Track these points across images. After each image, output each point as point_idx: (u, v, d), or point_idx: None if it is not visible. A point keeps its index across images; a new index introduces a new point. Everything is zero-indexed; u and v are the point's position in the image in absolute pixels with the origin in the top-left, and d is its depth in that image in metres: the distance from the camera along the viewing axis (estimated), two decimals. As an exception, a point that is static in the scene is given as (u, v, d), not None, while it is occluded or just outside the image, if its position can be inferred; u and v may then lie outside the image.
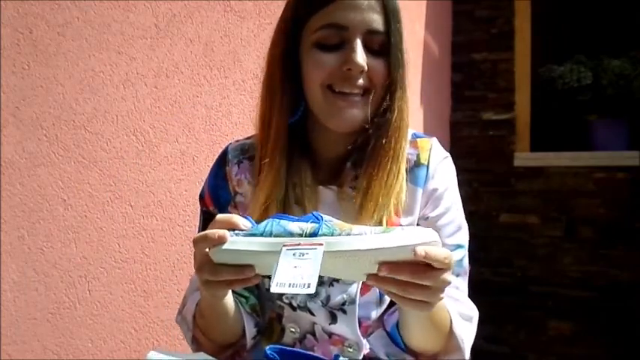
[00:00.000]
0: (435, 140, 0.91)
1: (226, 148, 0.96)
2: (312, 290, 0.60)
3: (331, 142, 0.87)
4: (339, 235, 0.63)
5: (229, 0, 1.63)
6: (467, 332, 0.85)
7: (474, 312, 0.88)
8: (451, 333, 0.83)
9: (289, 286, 0.62)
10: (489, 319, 2.97)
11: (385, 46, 0.80)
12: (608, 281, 2.78)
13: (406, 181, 0.85)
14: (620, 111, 2.85)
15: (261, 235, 0.65)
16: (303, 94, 0.85)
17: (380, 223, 0.82)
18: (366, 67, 0.78)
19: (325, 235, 0.64)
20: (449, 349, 0.85)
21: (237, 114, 1.65)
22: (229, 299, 0.83)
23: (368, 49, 0.79)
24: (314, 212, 0.67)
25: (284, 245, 0.64)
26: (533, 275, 2.94)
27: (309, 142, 0.89)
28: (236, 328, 0.88)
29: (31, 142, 1.24)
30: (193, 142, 1.55)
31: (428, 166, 0.87)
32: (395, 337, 0.88)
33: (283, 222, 0.65)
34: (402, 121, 0.83)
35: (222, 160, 0.95)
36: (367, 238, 0.62)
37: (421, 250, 0.59)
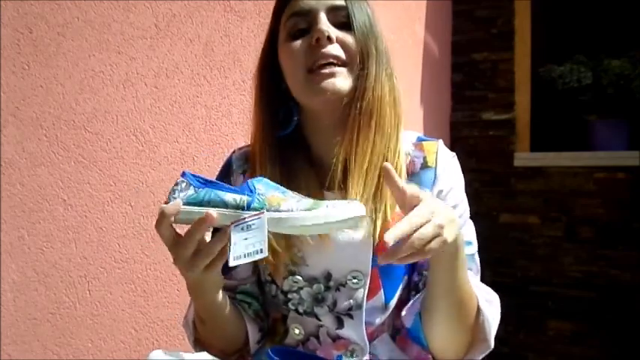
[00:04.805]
0: (440, 142, 0.91)
1: (230, 157, 0.96)
2: (265, 253, 0.66)
3: (328, 136, 0.86)
4: (268, 210, 0.68)
5: (229, 0, 1.64)
6: (493, 314, 0.83)
7: (494, 296, 0.86)
8: (478, 315, 0.81)
9: (245, 256, 0.67)
10: (489, 319, 2.97)
11: (350, 20, 0.82)
12: (608, 281, 2.78)
13: (408, 181, 0.85)
14: (620, 111, 2.84)
15: (200, 203, 0.71)
16: (294, 103, 0.86)
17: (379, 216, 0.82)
18: (332, 33, 0.80)
19: (256, 209, 0.69)
20: (475, 339, 0.83)
21: (237, 114, 1.65)
22: (223, 302, 0.83)
23: (335, 25, 0.82)
24: (249, 182, 0.71)
25: (232, 223, 0.68)
26: (533, 275, 2.94)
27: (310, 149, 0.89)
28: (237, 333, 0.87)
29: (31, 142, 1.24)
30: (193, 142, 1.55)
31: (436, 169, 0.87)
32: (416, 335, 0.85)
33: (220, 192, 0.71)
34: (383, 94, 0.83)
35: (226, 170, 0.94)
36: (293, 219, 0.68)
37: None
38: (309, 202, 0.70)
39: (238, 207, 0.69)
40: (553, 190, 2.92)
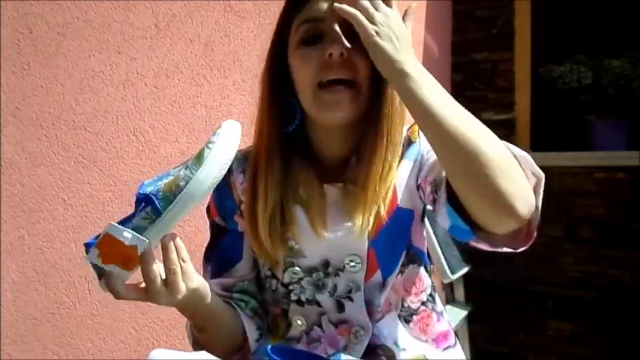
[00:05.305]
0: None
1: None
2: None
3: (333, 140, 0.88)
4: (171, 204, 0.69)
5: (229, 0, 1.63)
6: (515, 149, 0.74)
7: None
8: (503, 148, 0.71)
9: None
10: (489, 319, 2.97)
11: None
12: (608, 281, 2.78)
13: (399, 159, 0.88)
14: (620, 111, 2.84)
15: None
16: (297, 101, 0.86)
17: (375, 215, 0.84)
18: (344, 51, 0.79)
19: (164, 207, 0.69)
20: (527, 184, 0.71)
21: (237, 114, 1.65)
22: (218, 312, 0.84)
23: (348, 37, 0.80)
24: (138, 196, 0.72)
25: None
26: (533, 275, 2.93)
27: (311, 144, 0.90)
28: (236, 334, 0.88)
29: (31, 142, 1.24)
30: (193, 142, 1.54)
31: (419, 142, 0.90)
32: (455, 225, 0.75)
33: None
34: (394, 110, 0.85)
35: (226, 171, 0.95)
36: (202, 180, 0.68)
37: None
38: (192, 160, 0.70)
39: (153, 221, 0.69)
40: (553, 190, 2.91)
